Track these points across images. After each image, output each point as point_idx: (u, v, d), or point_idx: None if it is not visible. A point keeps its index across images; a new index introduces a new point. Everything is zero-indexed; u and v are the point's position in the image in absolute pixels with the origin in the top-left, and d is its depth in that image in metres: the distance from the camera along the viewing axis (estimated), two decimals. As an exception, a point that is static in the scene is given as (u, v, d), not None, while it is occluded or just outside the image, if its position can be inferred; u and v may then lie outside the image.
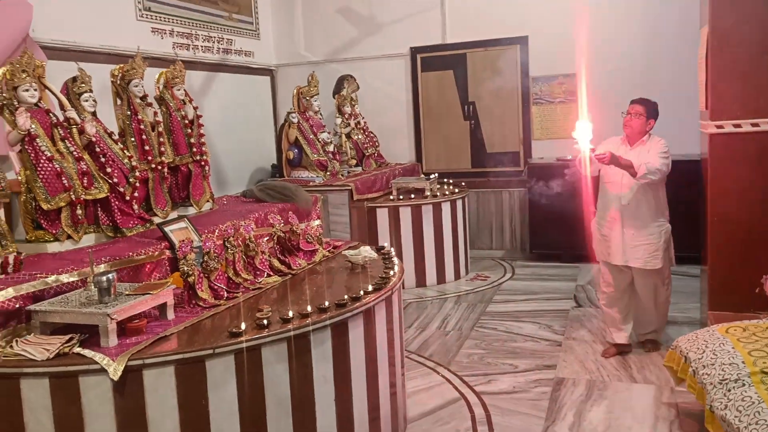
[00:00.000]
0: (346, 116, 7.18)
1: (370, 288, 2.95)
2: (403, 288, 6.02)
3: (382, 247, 3.86)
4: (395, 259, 3.54)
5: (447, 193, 6.46)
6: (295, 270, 3.46)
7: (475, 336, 4.82)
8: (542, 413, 3.56)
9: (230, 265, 3.11)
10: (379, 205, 6.18)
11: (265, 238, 3.48)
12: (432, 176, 6.65)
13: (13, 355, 2.31)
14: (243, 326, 2.49)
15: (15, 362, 2.29)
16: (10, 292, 2.47)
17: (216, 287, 2.94)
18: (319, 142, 6.61)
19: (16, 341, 2.37)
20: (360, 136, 7.31)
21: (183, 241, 2.93)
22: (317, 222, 4.80)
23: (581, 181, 4.25)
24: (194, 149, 4.36)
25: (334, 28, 7.95)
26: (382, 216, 6.18)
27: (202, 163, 4.42)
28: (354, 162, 7.08)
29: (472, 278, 6.50)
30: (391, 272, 3.24)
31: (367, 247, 3.57)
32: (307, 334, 2.58)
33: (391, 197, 6.31)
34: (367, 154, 7.33)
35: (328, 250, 3.86)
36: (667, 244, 4.03)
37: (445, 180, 6.79)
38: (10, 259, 2.69)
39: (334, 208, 6.10)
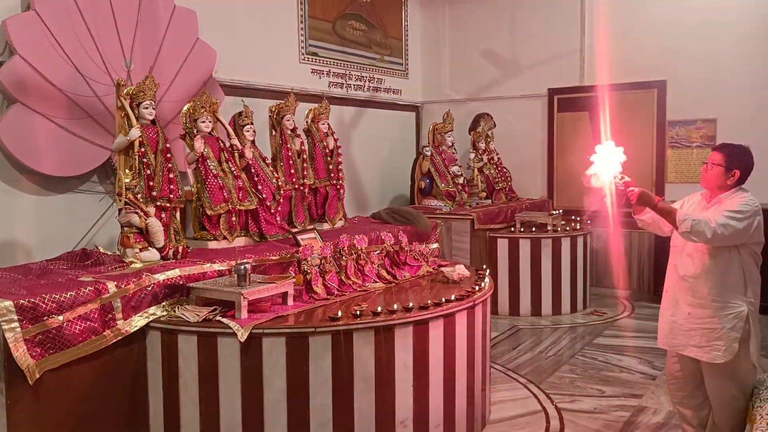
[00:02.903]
0: (480, 151, 7.72)
1: (452, 297, 3.48)
2: (518, 315, 6.47)
3: (481, 269, 4.37)
4: (487, 279, 4.03)
5: (568, 229, 6.76)
6: (399, 280, 4.08)
7: (573, 363, 5.11)
8: (613, 432, 3.84)
9: (343, 269, 3.80)
10: (500, 235, 6.63)
11: (377, 252, 4.14)
12: (555, 212, 6.98)
13: (175, 317, 3.16)
14: (339, 313, 3.14)
15: (176, 322, 3.13)
16: (176, 272, 3.34)
17: (329, 285, 3.64)
18: (450, 174, 7.22)
19: (178, 307, 3.22)
20: (492, 171, 7.81)
21: (306, 246, 3.67)
22: (435, 245, 5.40)
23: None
24: (332, 175, 5.16)
25: (477, 69, 8.55)
26: (503, 246, 6.62)
27: (338, 186, 5.22)
28: (484, 195, 7.59)
29: (589, 313, 6.70)
30: (477, 288, 3.75)
31: (462, 266, 4.10)
32: (392, 326, 3.18)
33: (512, 229, 6.74)
34: (498, 188, 7.80)
35: (433, 268, 4.43)
36: (742, 334, 3.09)
37: (573, 217, 7.06)
38: (180, 249, 3.60)
39: (457, 235, 6.65)
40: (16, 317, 2.68)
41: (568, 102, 8.05)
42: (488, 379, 4.00)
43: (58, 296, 2.85)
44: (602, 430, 3.88)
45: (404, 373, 3.23)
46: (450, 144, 7.44)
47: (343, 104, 7.36)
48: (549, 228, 6.67)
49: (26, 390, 2.71)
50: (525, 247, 6.57)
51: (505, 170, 8.02)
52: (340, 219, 5.26)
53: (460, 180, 7.30)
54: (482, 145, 7.75)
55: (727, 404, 3.19)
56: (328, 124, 5.25)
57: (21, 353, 2.67)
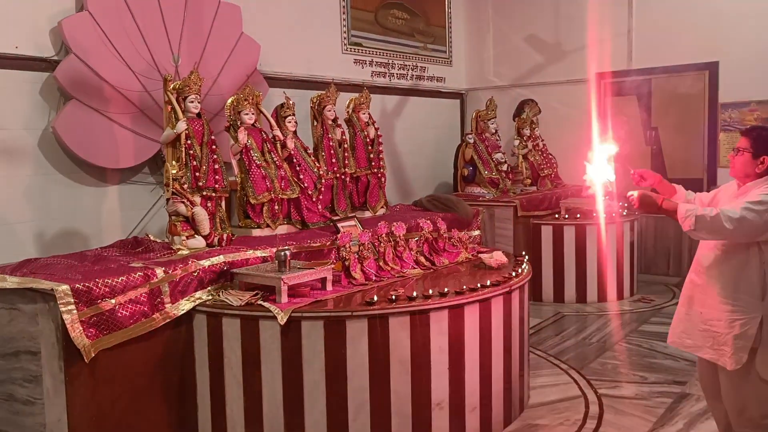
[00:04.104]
0: (525, 138, 7.68)
1: (488, 283, 3.53)
2: (562, 302, 6.44)
3: (520, 255, 4.39)
4: (525, 265, 4.06)
5: (614, 215, 6.67)
6: (437, 266, 4.15)
7: (617, 349, 5.08)
8: (654, 418, 3.82)
9: (381, 255, 3.89)
10: (543, 222, 6.60)
11: (416, 238, 4.21)
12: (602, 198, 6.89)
13: (220, 301, 3.31)
14: (375, 298, 3.24)
15: (220, 305, 3.28)
16: (221, 258, 3.50)
17: (367, 271, 3.73)
18: (493, 161, 7.21)
19: (222, 292, 3.37)
20: (537, 157, 7.75)
21: (344, 233, 3.78)
22: (476, 232, 5.44)
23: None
24: (373, 163, 5.25)
25: (521, 55, 8.47)
26: (546, 233, 6.59)
27: (379, 175, 5.30)
28: (529, 181, 7.55)
29: (636, 299, 6.62)
30: (514, 274, 3.78)
31: (500, 252, 4.14)
32: (427, 311, 3.26)
33: (557, 216, 6.70)
34: (543, 174, 7.74)
35: (472, 254, 4.47)
36: (753, 343, 2.82)
37: (620, 203, 6.96)
38: (224, 237, 3.76)
39: (500, 222, 6.65)
40: (72, 300, 2.87)
41: (615, 86, 7.91)
42: (526, 364, 4.04)
43: (110, 281, 3.03)
44: (642, 416, 3.87)
45: (440, 356, 3.31)
46: (493, 131, 7.42)
47: (386, 93, 7.43)
48: (595, 215, 6.60)
49: (83, 368, 2.91)
50: (570, 234, 6.53)
51: (550, 156, 7.95)
52: (382, 207, 5.35)
53: (504, 167, 7.28)
54: (527, 132, 7.70)
55: (739, 413, 2.94)
56: (369, 114, 5.34)
57: (77, 334, 2.86)
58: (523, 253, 4.46)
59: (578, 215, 6.63)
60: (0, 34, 4.23)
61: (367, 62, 7.16)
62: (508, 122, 7.97)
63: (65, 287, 2.87)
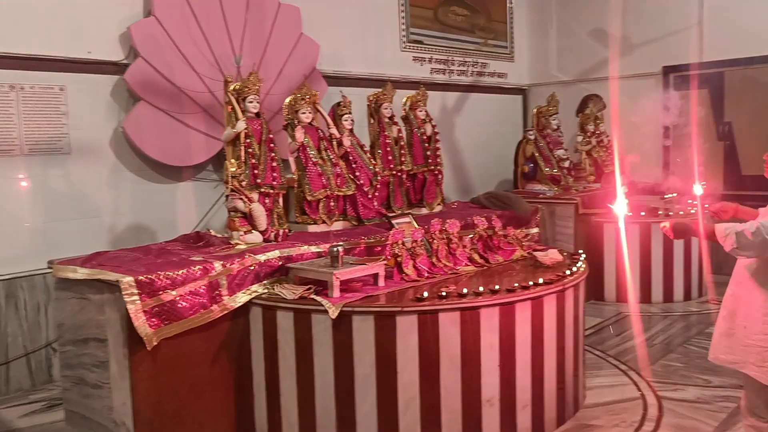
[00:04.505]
0: (588, 134, 7.52)
1: (541, 281, 3.50)
2: (625, 301, 6.27)
3: (577, 253, 4.32)
4: (580, 264, 3.99)
5: (681, 213, 6.45)
6: (491, 264, 4.13)
7: (681, 351, 4.92)
8: (715, 423, 3.70)
9: (434, 252, 3.91)
10: (606, 220, 6.44)
11: (470, 236, 4.21)
12: (669, 195, 6.69)
13: (275, 294, 3.42)
14: (425, 294, 3.27)
15: (275, 299, 3.39)
16: (276, 253, 3.61)
17: (419, 267, 3.77)
18: (555, 158, 7.09)
19: (277, 285, 3.48)
20: (601, 154, 7.58)
21: (397, 230, 3.82)
22: (535, 230, 5.38)
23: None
24: (430, 161, 5.27)
25: (585, 49, 8.29)
26: (609, 231, 6.43)
27: (436, 172, 5.32)
28: (593, 178, 7.39)
29: (704, 301, 6.39)
30: (568, 272, 3.73)
31: (555, 251, 4.08)
32: (477, 308, 3.26)
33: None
34: (608, 171, 7.56)
35: (527, 252, 4.43)
36: None
37: (690, 201, 6.73)
38: (281, 232, 3.87)
39: (560, 220, 6.54)
40: (136, 291, 3.03)
41: (685, 80, 7.64)
42: (581, 363, 3.97)
43: (171, 274, 3.18)
44: (703, 420, 3.75)
45: (490, 353, 3.30)
46: (555, 127, 7.30)
47: (446, 90, 7.43)
48: (660, 212, 6.40)
49: (146, 355, 3.06)
50: (633, 232, 6.35)
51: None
52: (438, 204, 5.36)
53: (566, 164, 7.16)
54: (590, 128, 7.53)
55: None
56: (426, 111, 5.36)
57: (141, 323, 3.02)
58: (580, 251, 4.38)
59: (643, 212, 6.44)
60: (75, 41, 4.50)
61: (426, 59, 7.18)
62: (571, 118, 7.82)
63: (129, 279, 3.03)
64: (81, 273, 3.21)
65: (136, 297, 3.02)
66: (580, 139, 7.48)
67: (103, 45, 4.64)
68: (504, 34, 8.31)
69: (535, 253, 4.16)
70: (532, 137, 7.16)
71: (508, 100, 8.49)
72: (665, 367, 4.59)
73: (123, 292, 2.99)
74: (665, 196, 6.70)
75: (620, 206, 3.24)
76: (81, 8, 4.52)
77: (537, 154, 7.11)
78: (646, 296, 6.35)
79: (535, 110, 7.37)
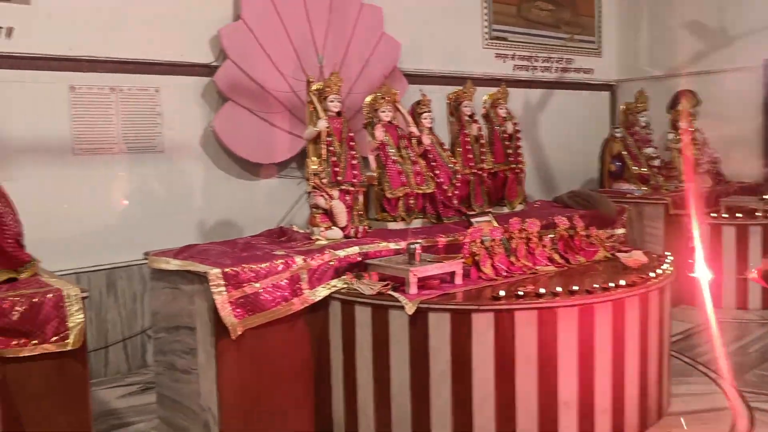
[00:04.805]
0: (681, 131, 7.21)
1: (622, 283, 3.41)
2: (720, 307, 5.97)
3: (664, 255, 4.17)
4: (666, 266, 3.85)
5: (780, 213, 6.08)
6: (572, 264, 4.05)
7: (778, 361, 4.66)
8: (813, 438, 3.48)
9: (513, 251, 3.88)
10: (699, 221, 6.16)
11: (550, 235, 4.15)
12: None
13: (353, 289, 3.49)
14: (502, 293, 3.25)
15: (353, 294, 3.47)
16: (355, 249, 3.69)
17: (497, 266, 3.75)
18: (644, 156, 6.84)
19: (355, 281, 3.55)
20: (695, 152, 7.24)
21: (474, 228, 3.82)
22: (621, 230, 5.23)
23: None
24: (511, 159, 5.22)
25: (679, 42, 7.93)
26: (703, 232, 6.14)
27: (517, 171, 5.26)
28: (684, 177, 7.07)
29: (806, 308, 6.00)
30: (652, 275, 3.61)
31: (639, 252, 3.96)
32: (554, 308, 3.22)
33: (714, 214, 6.23)
34: (702, 170, 7.22)
35: (611, 253, 4.31)
36: None
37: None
38: (360, 229, 3.95)
39: (649, 221, 6.30)
40: (223, 283, 3.18)
41: (788, 73, 7.18)
42: (667, 369, 3.83)
43: (255, 267, 3.32)
44: (799, 434, 3.54)
45: (568, 354, 3.25)
46: (643, 124, 7.05)
47: (529, 87, 7.32)
48: (758, 214, 6.06)
49: (231, 344, 3.21)
50: (729, 234, 6.04)
51: (710, 151, 7.38)
52: (520, 203, 5.30)
53: (656, 162, 6.89)
54: (683, 125, 7.21)
55: None
56: (507, 109, 5.31)
57: (226, 313, 3.17)
58: (667, 253, 4.23)
59: (739, 214, 6.12)
60: (169, 45, 4.75)
61: (509, 56, 7.10)
62: (663, 115, 7.51)
63: (217, 271, 3.19)
64: (173, 264, 3.40)
65: (223, 288, 3.17)
66: (671, 136, 7.16)
67: (195, 48, 4.88)
68: (591, 28, 8.08)
69: (619, 255, 4.06)
70: (620, 135, 6.94)
71: (595, 97, 8.25)
72: (760, 377, 4.36)
73: (210, 284, 3.15)
74: (764, 197, 6.33)
75: (702, 272, 3.10)
76: (174, 14, 4.77)
77: (624, 153, 6.89)
78: (742, 302, 6.03)
79: (622, 107, 7.13)
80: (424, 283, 3.46)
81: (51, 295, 2.75)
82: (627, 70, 8.34)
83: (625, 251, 4.16)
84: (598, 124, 8.18)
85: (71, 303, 2.77)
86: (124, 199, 4.70)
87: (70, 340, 2.74)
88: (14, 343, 2.66)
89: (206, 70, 4.92)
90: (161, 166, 4.82)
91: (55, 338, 2.72)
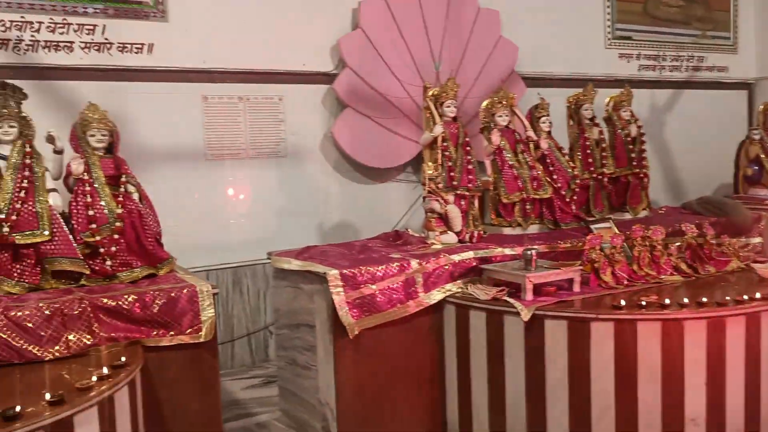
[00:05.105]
0: (829, 132, 6.60)
1: (758, 296, 3.18)
2: None
3: (807, 267, 3.84)
4: (812, 278, 3.55)
5: None
6: (700, 275, 3.83)
7: None
8: None
9: (635, 260, 3.73)
10: None
11: (677, 243, 3.94)
12: None
13: (468, 294, 3.50)
14: (623, 302, 3.14)
15: (468, 298, 3.48)
16: (470, 254, 3.70)
17: (618, 275, 3.61)
18: (786, 159, 6.32)
19: (470, 285, 3.56)
20: None
21: (594, 235, 3.70)
22: (757, 240, 4.89)
23: None
24: (634, 163, 5.01)
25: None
26: None
27: (641, 175, 5.04)
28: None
29: None
30: (794, 287, 3.34)
31: (778, 262, 3.67)
32: (681, 320, 3.06)
33: None
34: None
35: (745, 264, 4.03)
36: None
37: None
38: (475, 234, 3.95)
39: (791, 229, 5.82)
40: (340, 284, 3.29)
41: None
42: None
43: (372, 269, 3.41)
44: None
45: (695, 369, 3.08)
46: (785, 125, 6.50)
47: (656, 87, 6.98)
48: None
49: (348, 343, 3.32)
50: None
51: None
52: (643, 209, 5.08)
53: (799, 166, 6.34)
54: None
55: None
56: (631, 111, 5.10)
57: (344, 313, 3.28)
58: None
59: None
60: (291, 55, 4.99)
61: (634, 56, 6.82)
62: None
63: (335, 272, 3.31)
64: (294, 264, 3.57)
65: (341, 289, 3.28)
66: (817, 137, 6.58)
67: (316, 58, 5.08)
68: (726, 23, 7.59)
69: (754, 265, 3.79)
70: (758, 137, 6.44)
71: (729, 96, 7.73)
72: None
73: (329, 284, 3.27)
74: None
75: None
76: (297, 26, 5.00)
77: (763, 156, 6.38)
78: None
79: (761, 107, 6.62)
80: (540, 289, 3.40)
81: (186, 290, 2.97)
82: (767, 68, 7.75)
83: (762, 262, 3.87)
84: (732, 125, 7.65)
85: (204, 298, 2.98)
86: (249, 201, 4.97)
87: (203, 333, 2.94)
88: (154, 333, 2.89)
89: (326, 78, 5.11)
90: (284, 171, 5.06)
91: (189, 330, 2.93)
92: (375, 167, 5.21)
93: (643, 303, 3.15)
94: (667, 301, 3.14)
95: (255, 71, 4.93)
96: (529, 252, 3.45)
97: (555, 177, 4.47)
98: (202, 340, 2.94)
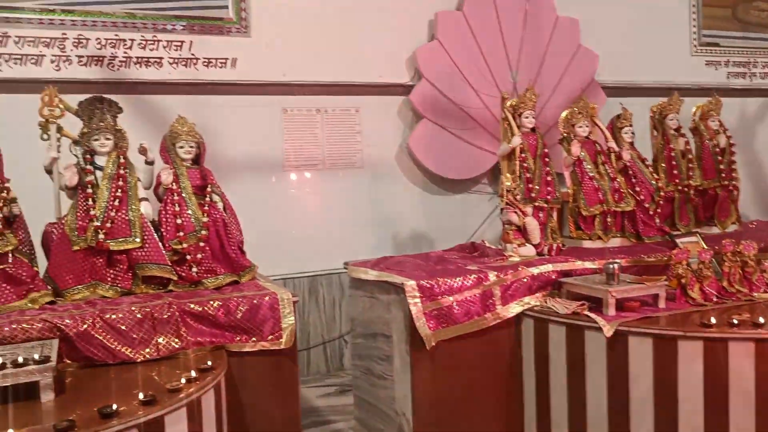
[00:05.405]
0: None
1: None
2: None
3: None
4: None
5: None
6: (799, 292, 3.62)
7: None
8: None
9: (725, 276, 3.56)
10: None
11: (772, 259, 3.74)
12: None
13: (547, 307, 3.44)
14: (713, 320, 3.00)
15: (547, 312, 3.41)
16: (549, 267, 3.63)
17: (707, 291, 3.45)
18: None
19: (549, 299, 3.49)
20: None
21: (681, 250, 3.56)
22: None
23: None
24: (723, 175, 4.79)
25: None
26: None
27: (731, 188, 4.81)
28: None
29: None
30: None
31: None
32: (775, 340, 2.90)
33: None
34: None
35: None
36: None
37: None
38: (554, 246, 3.87)
39: None
40: (418, 294, 3.29)
41: None
42: None
43: (449, 280, 3.39)
44: None
45: (794, 393, 2.91)
46: None
47: (746, 96, 6.68)
48: None
49: (425, 354, 3.31)
50: None
51: None
52: (733, 223, 4.85)
53: None
54: None
55: None
56: (719, 121, 4.89)
57: (421, 324, 3.27)
58: None
59: None
60: (368, 67, 5.07)
61: (722, 63, 6.55)
62: None
63: (413, 283, 3.31)
64: (371, 274, 3.59)
65: (418, 300, 3.28)
66: None
67: (392, 69, 5.13)
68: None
69: None
70: None
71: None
72: None
73: (407, 295, 3.28)
74: None
75: None
76: (373, 39, 5.07)
77: None
78: None
79: None
80: (622, 305, 3.30)
81: (268, 297, 3.04)
82: None
83: None
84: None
85: (284, 306, 3.04)
86: (325, 211, 5.05)
87: (284, 340, 3.00)
88: (237, 339, 2.98)
89: (402, 89, 5.15)
90: (360, 182, 5.12)
91: (270, 337, 3.00)
92: (450, 178, 5.20)
93: (735, 321, 3.00)
94: (762, 320, 2.99)
95: (332, 83, 5.02)
96: (611, 266, 3.35)
97: (638, 189, 4.33)
98: (282, 347, 3.00)
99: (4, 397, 2.32)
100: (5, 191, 3.01)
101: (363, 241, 4.97)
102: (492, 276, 3.48)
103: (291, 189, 4.96)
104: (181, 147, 3.39)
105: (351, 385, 4.09)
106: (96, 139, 3.22)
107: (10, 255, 2.94)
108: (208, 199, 3.35)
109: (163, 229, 3.27)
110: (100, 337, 2.72)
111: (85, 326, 2.71)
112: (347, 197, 5.10)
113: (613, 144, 4.34)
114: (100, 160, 3.25)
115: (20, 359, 2.35)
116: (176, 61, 4.61)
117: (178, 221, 3.26)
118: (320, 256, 4.96)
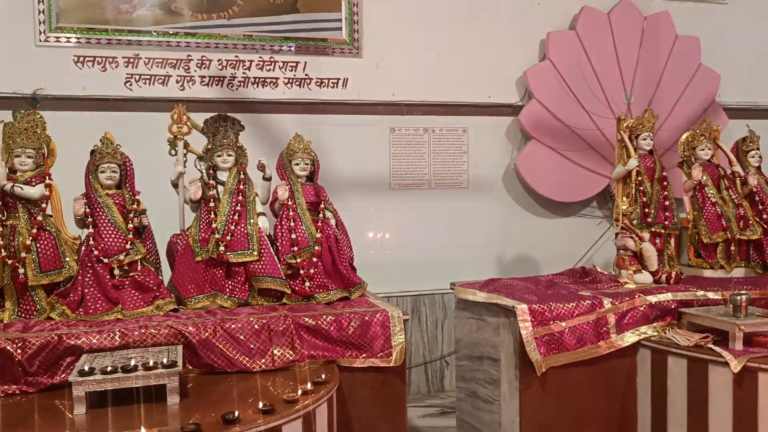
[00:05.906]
0: None
1: None
2: None
3: None
4: None
5: None
6: None
7: None
8: None
9: None
10: None
11: None
12: None
13: (666, 338, 3.27)
14: None
15: (666, 343, 3.24)
16: (668, 296, 3.46)
17: None
18: None
19: (669, 330, 3.33)
20: None
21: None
22: None
23: None
24: None
25: None
26: None
27: None
28: None
29: None
30: None
31: None
32: None
33: None
34: None
35: None
36: None
37: None
38: (673, 274, 3.69)
39: None
40: (529, 318, 3.22)
41: None
42: None
43: (561, 306, 3.30)
44: None
45: None
46: None
47: None
48: None
49: (535, 380, 3.23)
50: None
51: None
52: None
53: None
54: None
55: None
56: None
57: (531, 348, 3.20)
58: None
59: None
60: (477, 87, 5.05)
61: None
62: None
63: (524, 306, 3.24)
64: (480, 296, 3.55)
65: (529, 323, 3.21)
66: None
67: (501, 89, 5.09)
68: None
69: None
70: None
71: None
72: None
73: (518, 318, 3.21)
74: None
75: None
76: (483, 60, 5.06)
77: None
78: None
79: None
80: (750, 339, 3.09)
81: (379, 315, 3.06)
82: None
83: None
84: None
85: (395, 324, 3.06)
86: (430, 231, 5.05)
87: (394, 357, 3.01)
88: (348, 354, 3.01)
89: (510, 110, 5.10)
90: (466, 201, 5.10)
91: (380, 354, 3.02)
92: (558, 201, 5.08)
93: None
94: None
95: (441, 103, 5.04)
96: (738, 297, 3.15)
97: (765, 216, 4.06)
98: (392, 364, 3.01)
99: (135, 397, 2.46)
100: (136, 203, 3.21)
101: (466, 262, 4.93)
102: (607, 303, 3.36)
103: (396, 207, 5.00)
104: (297, 164, 3.50)
105: (453, 407, 4.04)
106: (219, 155, 3.38)
107: (139, 264, 3.13)
108: (321, 215, 3.43)
109: (278, 244, 3.37)
110: (221, 346, 2.83)
111: (207, 334, 2.83)
112: (452, 217, 5.09)
113: (738, 168, 4.10)
114: (222, 175, 3.40)
115: (150, 362, 2.48)
116: (291, 81, 4.79)
117: (293, 236, 3.35)
118: (424, 275, 4.96)
